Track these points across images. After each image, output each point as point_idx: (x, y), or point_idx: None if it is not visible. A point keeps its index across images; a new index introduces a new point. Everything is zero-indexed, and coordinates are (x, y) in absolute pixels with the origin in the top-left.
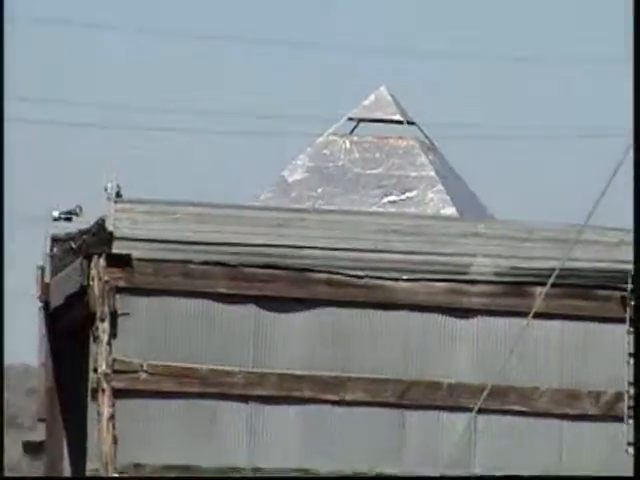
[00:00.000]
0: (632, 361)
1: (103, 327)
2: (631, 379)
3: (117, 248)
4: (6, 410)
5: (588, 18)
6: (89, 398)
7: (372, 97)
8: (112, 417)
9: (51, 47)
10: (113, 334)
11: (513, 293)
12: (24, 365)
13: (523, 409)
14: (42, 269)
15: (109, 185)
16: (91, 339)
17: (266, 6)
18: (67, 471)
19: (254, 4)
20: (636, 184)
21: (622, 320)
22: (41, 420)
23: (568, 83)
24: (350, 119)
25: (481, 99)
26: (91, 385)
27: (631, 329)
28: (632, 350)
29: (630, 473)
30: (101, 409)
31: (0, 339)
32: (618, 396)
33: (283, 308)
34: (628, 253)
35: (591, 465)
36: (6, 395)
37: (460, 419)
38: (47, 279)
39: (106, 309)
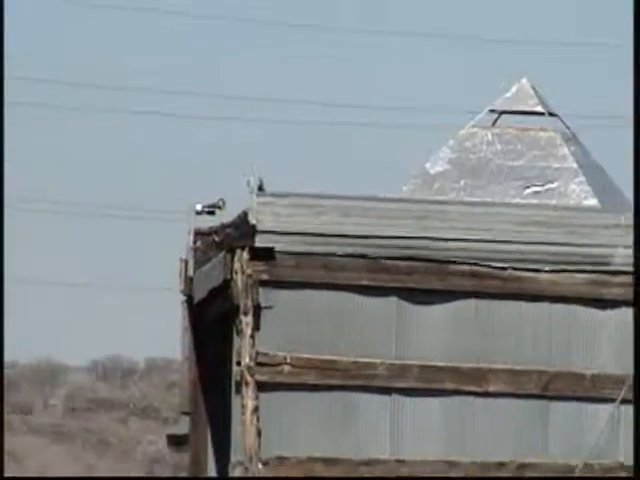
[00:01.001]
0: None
1: (246, 320)
2: None
3: (260, 241)
4: (147, 403)
5: None
6: (233, 391)
7: (513, 89)
8: (256, 410)
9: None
10: (256, 327)
11: None
12: (165, 359)
13: None
14: (185, 262)
15: (251, 179)
16: (234, 332)
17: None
18: (211, 464)
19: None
20: (636, 180)
21: None
22: (184, 413)
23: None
24: (492, 111)
25: (624, 88)
26: (235, 378)
27: None
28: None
29: None
30: (245, 402)
31: (0, 338)
32: None
33: (425, 300)
34: None
35: None
36: (148, 389)
37: (604, 409)
38: (190, 273)
39: (249, 302)
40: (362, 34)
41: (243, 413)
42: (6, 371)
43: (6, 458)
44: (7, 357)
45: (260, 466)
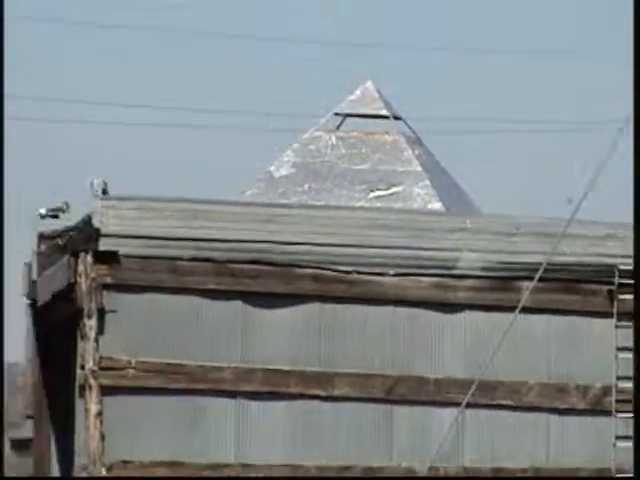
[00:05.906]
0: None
1: (90, 324)
2: (620, 373)
3: (104, 245)
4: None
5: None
6: (76, 395)
7: (358, 92)
8: (100, 414)
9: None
10: (100, 331)
11: (500, 288)
12: (8, 363)
13: (511, 403)
14: (29, 266)
15: (95, 182)
16: (78, 336)
17: (247, 2)
18: (55, 468)
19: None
20: (636, 183)
21: (608, 314)
22: (28, 417)
23: (555, 76)
24: (336, 114)
25: (467, 92)
26: (78, 382)
27: (618, 323)
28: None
29: (616, 466)
30: (88, 406)
31: (0, 341)
32: (605, 390)
33: (270, 304)
34: (614, 247)
35: (579, 458)
36: None
37: (448, 413)
38: (34, 276)
39: (93, 306)
40: (195, 34)
41: (87, 417)
42: None
43: None
44: None
45: (103, 471)
